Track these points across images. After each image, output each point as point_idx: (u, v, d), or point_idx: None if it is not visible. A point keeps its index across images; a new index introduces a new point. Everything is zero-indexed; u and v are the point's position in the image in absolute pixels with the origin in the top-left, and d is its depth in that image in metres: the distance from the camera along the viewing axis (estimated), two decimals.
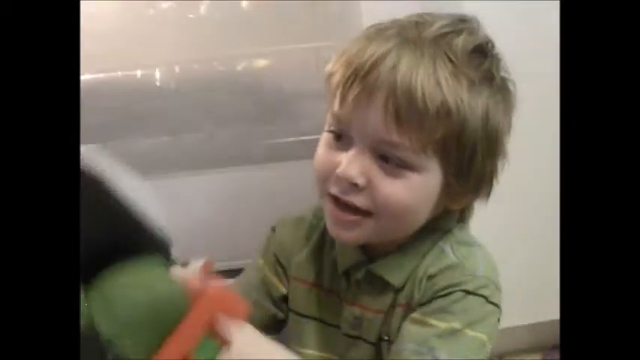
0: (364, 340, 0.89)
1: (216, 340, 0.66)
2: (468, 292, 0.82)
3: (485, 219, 0.92)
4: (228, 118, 1.51)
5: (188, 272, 0.68)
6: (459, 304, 0.82)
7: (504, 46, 0.88)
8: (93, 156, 0.67)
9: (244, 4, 1.51)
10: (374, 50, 0.80)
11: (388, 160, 0.81)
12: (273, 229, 0.98)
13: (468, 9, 0.91)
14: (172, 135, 1.50)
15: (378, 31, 0.84)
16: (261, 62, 1.54)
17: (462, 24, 0.85)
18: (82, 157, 0.65)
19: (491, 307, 0.83)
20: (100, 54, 1.40)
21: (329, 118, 0.86)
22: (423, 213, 0.85)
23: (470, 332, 0.81)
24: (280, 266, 0.96)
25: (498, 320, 0.86)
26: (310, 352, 0.93)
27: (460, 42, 0.82)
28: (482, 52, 0.84)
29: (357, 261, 0.89)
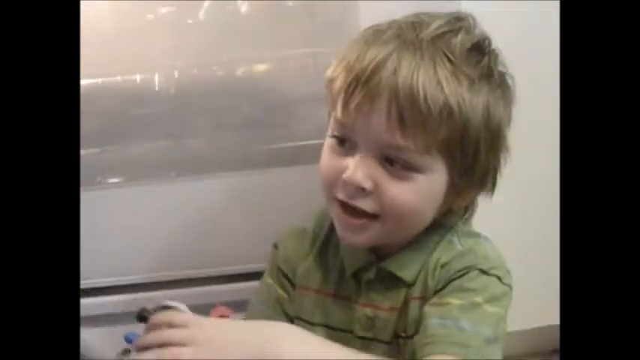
0: (378, 341, 0.88)
1: None
2: (483, 272, 0.83)
3: (485, 226, 0.92)
4: (227, 123, 1.50)
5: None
6: (477, 282, 0.82)
7: (504, 46, 0.88)
8: None
9: (243, 9, 1.51)
10: (374, 55, 0.81)
11: (393, 163, 0.82)
12: (275, 246, 0.98)
13: (466, 9, 0.91)
14: (171, 139, 1.50)
15: (376, 34, 0.85)
16: (261, 67, 1.54)
17: (459, 22, 0.86)
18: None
19: (505, 287, 0.84)
20: (100, 59, 1.40)
21: (332, 123, 0.86)
22: (429, 212, 0.86)
23: (489, 308, 0.81)
24: (287, 279, 0.95)
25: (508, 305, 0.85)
26: None
27: (458, 41, 0.83)
28: (480, 50, 0.85)
29: (367, 261, 0.89)
